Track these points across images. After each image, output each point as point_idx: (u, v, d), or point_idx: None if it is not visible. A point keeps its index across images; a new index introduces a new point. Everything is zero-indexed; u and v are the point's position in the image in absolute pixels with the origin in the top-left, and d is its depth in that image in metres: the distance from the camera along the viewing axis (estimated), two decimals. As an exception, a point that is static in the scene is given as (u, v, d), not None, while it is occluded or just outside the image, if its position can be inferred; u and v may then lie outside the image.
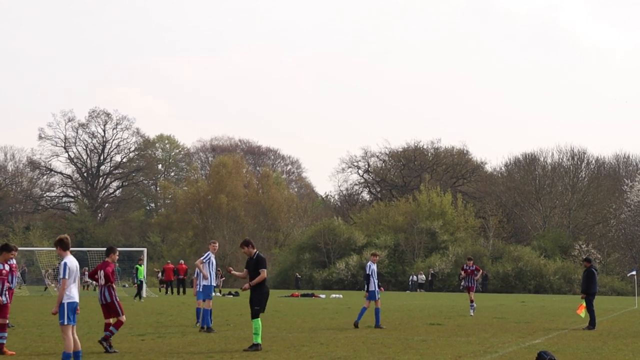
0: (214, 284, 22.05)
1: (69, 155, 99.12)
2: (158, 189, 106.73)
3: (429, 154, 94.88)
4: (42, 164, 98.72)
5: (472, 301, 29.24)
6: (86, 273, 44.91)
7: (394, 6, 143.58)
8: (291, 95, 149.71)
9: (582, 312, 23.66)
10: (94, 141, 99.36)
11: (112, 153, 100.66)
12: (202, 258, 21.84)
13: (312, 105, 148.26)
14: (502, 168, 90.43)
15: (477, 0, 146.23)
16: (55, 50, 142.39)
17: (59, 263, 13.05)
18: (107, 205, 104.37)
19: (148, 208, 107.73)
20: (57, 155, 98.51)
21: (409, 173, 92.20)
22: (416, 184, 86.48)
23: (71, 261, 13.04)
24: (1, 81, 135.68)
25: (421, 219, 74.35)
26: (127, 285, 60.30)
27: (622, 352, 16.80)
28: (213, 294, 22.22)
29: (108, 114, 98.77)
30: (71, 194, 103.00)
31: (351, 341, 18.54)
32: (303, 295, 49.42)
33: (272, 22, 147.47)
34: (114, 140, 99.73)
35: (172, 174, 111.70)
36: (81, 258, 58.47)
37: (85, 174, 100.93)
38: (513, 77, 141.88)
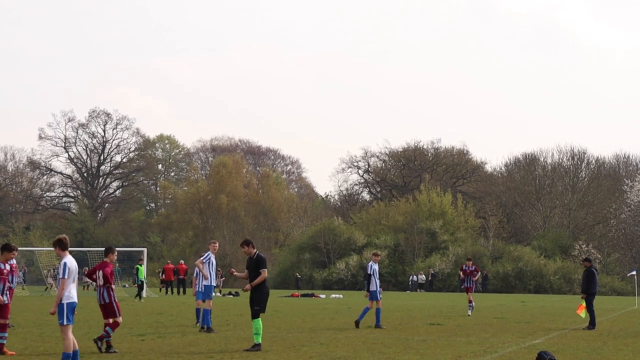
0: (214, 284, 22.05)
1: (69, 155, 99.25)
2: (158, 189, 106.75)
3: (429, 154, 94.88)
4: (42, 164, 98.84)
5: (470, 301, 29.25)
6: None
7: (394, 6, 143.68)
8: (291, 95, 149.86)
9: (583, 313, 23.65)
10: (94, 141, 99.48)
11: (112, 153, 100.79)
12: (202, 258, 21.84)
13: (312, 105, 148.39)
14: (502, 168, 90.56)
15: (477, 0, 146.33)
16: (55, 50, 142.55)
17: (59, 263, 13.04)
18: (107, 205, 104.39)
19: (148, 208, 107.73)
20: (57, 155, 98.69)
21: (409, 173, 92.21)
22: (416, 184, 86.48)
23: (71, 261, 13.03)
24: (1, 81, 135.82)
25: (421, 219, 74.35)
26: (127, 285, 60.31)
27: (622, 352, 16.80)
28: (213, 294, 22.23)
29: (108, 114, 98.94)
30: (71, 194, 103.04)
31: (351, 341, 18.54)
32: (303, 296, 49.42)
33: (272, 22, 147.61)
34: (114, 140, 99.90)
35: (172, 174, 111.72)
36: (81, 258, 58.45)
37: (85, 174, 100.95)
38: (513, 77, 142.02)
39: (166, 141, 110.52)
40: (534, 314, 31.26)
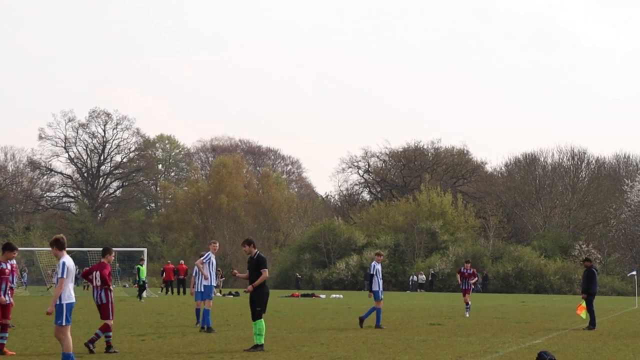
0: (214, 284, 22.05)
1: (69, 155, 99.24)
2: (158, 189, 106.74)
3: (429, 154, 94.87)
4: (43, 164, 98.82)
5: (467, 303, 29.26)
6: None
7: (394, 6, 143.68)
8: (291, 95, 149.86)
9: (583, 313, 23.66)
10: (94, 141, 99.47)
11: (113, 153, 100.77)
12: (202, 258, 21.84)
13: (312, 105, 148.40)
14: (502, 168, 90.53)
15: (477, 0, 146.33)
16: (55, 50, 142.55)
17: (57, 263, 13.04)
18: (107, 205, 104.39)
19: (148, 208, 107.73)
20: (58, 156, 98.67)
21: (409, 173, 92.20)
22: (416, 184, 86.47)
23: (69, 261, 13.03)
24: (1, 81, 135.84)
25: (421, 219, 74.33)
26: (127, 286, 60.33)
27: (623, 352, 16.80)
28: (213, 294, 22.23)
29: (108, 114, 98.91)
30: (71, 194, 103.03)
31: (351, 341, 18.54)
32: (303, 296, 49.42)
33: (272, 22, 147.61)
34: (114, 140, 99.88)
35: (173, 174, 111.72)
36: (81, 258, 58.47)
37: (85, 174, 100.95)
38: (513, 77, 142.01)
39: (166, 141, 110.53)
40: (534, 314, 31.26)
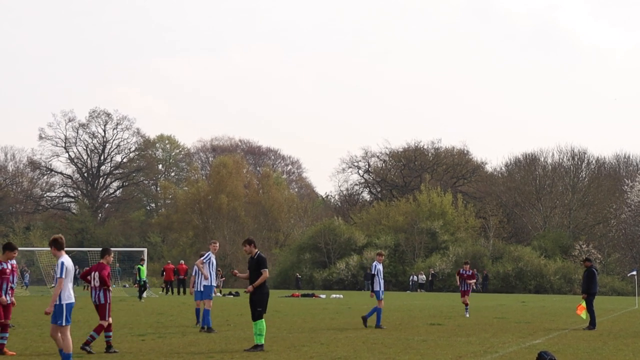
0: (214, 284, 22.05)
1: (69, 155, 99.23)
2: (158, 189, 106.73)
3: (429, 154, 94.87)
4: (43, 164, 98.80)
5: (466, 304, 29.26)
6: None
7: (394, 6, 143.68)
8: (291, 95, 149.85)
9: (583, 314, 23.66)
10: (95, 141, 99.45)
11: (113, 153, 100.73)
12: (202, 258, 21.84)
13: (312, 105, 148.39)
14: (503, 168, 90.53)
15: (477, 0, 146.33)
16: (55, 50, 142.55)
17: (56, 262, 13.04)
18: (107, 205, 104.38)
19: (148, 208, 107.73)
20: (58, 156, 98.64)
21: (410, 173, 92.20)
22: (416, 184, 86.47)
23: (68, 261, 13.02)
24: (1, 81, 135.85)
25: (421, 219, 74.32)
26: (127, 286, 60.31)
27: (623, 352, 16.80)
28: (213, 294, 22.23)
29: (108, 114, 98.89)
30: (71, 194, 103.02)
31: (351, 341, 18.54)
32: (303, 296, 49.41)
33: (272, 22, 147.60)
34: (114, 140, 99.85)
35: (173, 174, 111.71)
36: (81, 258, 58.49)
37: (85, 174, 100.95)
38: (513, 77, 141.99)
39: (166, 141, 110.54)
40: (534, 314, 31.26)
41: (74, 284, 13.61)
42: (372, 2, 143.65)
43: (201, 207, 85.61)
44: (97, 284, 16.45)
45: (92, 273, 16.64)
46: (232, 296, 48.26)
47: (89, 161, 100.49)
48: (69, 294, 12.98)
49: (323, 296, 48.85)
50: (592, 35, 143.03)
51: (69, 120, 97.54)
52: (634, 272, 41.27)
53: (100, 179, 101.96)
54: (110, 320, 16.50)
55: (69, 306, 12.97)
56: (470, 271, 29.95)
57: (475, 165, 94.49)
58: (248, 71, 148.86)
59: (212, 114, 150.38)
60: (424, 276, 68.06)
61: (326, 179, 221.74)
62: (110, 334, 16.39)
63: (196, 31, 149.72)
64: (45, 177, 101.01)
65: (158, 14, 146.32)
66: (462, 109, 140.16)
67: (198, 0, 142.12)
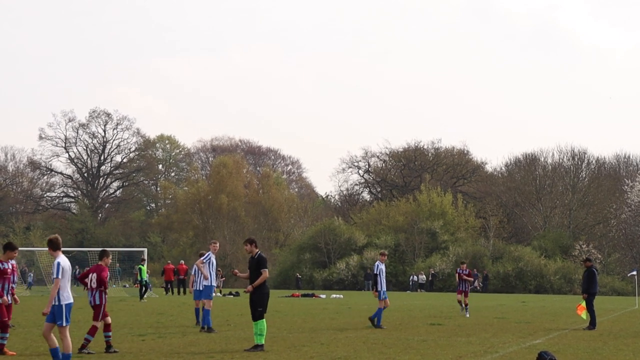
0: (214, 284, 22.06)
1: (69, 155, 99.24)
2: (158, 189, 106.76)
3: (430, 154, 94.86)
4: (43, 164, 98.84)
5: (466, 304, 29.27)
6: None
7: (394, 6, 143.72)
8: (291, 95, 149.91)
9: (583, 314, 23.66)
10: (95, 141, 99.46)
11: (113, 153, 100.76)
12: (202, 258, 21.84)
13: (312, 105, 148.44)
14: (503, 168, 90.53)
15: (477, 0, 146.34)
16: (55, 50, 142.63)
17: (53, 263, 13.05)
18: (107, 205, 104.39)
19: (148, 208, 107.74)
20: (58, 156, 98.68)
21: (410, 173, 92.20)
22: (416, 184, 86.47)
23: (64, 261, 13.01)
24: (1, 81, 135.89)
25: (422, 219, 74.31)
26: (127, 286, 60.31)
27: (623, 352, 16.80)
28: (213, 294, 22.23)
29: (108, 114, 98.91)
30: (71, 194, 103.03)
31: (351, 341, 18.54)
32: (303, 296, 49.41)
33: (272, 22, 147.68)
34: (114, 140, 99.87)
35: (173, 174, 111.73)
36: (82, 258, 58.52)
37: (85, 174, 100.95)
38: (513, 77, 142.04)
39: (166, 141, 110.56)
40: (535, 314, 31.26)
41: (74, 284, 13.64)
42: (372, 2, 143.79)
43: (201, 207, 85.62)
44: (95, 285, 16.43)
45: (90, 275, 16.64)
46: (232, 296, 48.26)
47: (89, 161, 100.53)
48: (68, 294, 12.99)
49: (323, 296, 48.84)
50: (592, 35, 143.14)
51: (69, 121, 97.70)
52: (634, 272, 41.27)
53: (101, 179, 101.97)
54: (109, 319, 16.49)
55: (68, 306, 12.98)
56: (467, 270, 29.98)
57: (475, 165, 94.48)
58: (248, 71, 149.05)
59: (212, 114, 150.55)
60: (424, 276, 68.06)
61: (326, 179, 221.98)
62: (110, 333, 16.38)
63: (196, 31, 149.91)
64: (46, 177, 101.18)
65: (158, 14, 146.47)
66: (462, 109, 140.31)
67: (198, 0, 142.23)
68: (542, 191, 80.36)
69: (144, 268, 42.54)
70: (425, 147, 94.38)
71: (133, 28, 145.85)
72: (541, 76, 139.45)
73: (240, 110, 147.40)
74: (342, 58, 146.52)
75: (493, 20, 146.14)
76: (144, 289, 41.45)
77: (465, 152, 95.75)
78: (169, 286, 52.60)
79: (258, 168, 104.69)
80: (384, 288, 23.23)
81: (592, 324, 23.20)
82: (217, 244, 22.85)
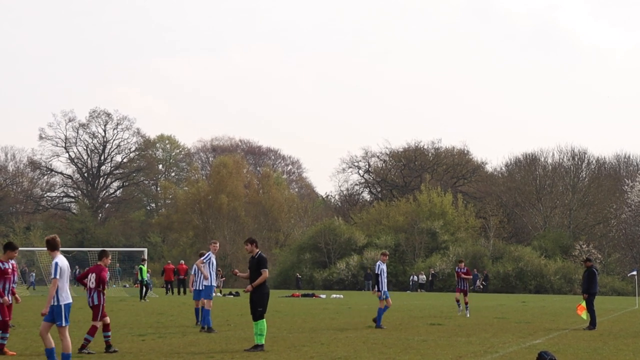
0: (214, 284, 22.06)
1: (69, 155, 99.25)
2: (158, 189, 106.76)
3: (430, 154, 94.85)
4: (43, 164, 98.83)
5: (466, 303, 29.28)
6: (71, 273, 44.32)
7: (394, 6, 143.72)
8: (291, 95, 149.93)
9: (583, 314, 23.66)
10: (95, 141, 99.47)
11: (113, 153, 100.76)
12: (202, 258, 21.85)
13: (312, 105, 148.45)
14: (503, 168, 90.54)
15: (477, 0, 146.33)
16: (55, 50, 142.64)
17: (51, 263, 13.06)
18: (107, 205, 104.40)
19: (149, 208, 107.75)
20: (58, 156, 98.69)
21: (410, 173, 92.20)
22: (417, 184, 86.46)
23: (62, 261, 13.01)
24: (1, 81, 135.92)
25: (422, 219, 74.30)
26: (127, 286, 60.30)
27: (623, 352, 16.80)
28: (214, 294, 22.23)
29: (108, 114, 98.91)
30: (72, 194, 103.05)
31: (352, 341, 18.54)
32: (303, 296, 49.41)
33: (272, 22, 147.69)
34: (114, 140, 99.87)
35: (173, 174, 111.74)
36: (82, 258, 58.51)
37: (85, 174, 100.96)
38: (513, 77, 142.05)
39: (166, 141, 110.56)
40: (535, 314, 31.26)
41: (74, 284, 13.66)
42: (372, 2, 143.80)
43: (201, 207, 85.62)
44: (93, 285, 16.42)
45: (90, 275, 16.65)
46: (232, 296, 48.26)
47: (89, 161, 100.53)
48: (67, 294, 12.99)
49: (323, 296, 48.84)
50: (592, 35, 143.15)
51: (69, 120, 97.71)
52: (634, 272, 41.26)
53: (101, 179, 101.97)
54: (108, 319, 16.50)
55: (67, 306, 12.98)
56: (466, 268, 29.99)
57: (476, 165, 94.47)
58: (248, 71, 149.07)
59: (212, 114, 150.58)
60: (424, 276, 68.05)
61: (326, 179, 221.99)
62: (109, 333, 16.39)
63: (196, 31, 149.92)
64: (46, 177, 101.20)
65: (158, 14, 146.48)
66: (462, 109, 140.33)
67: (198, 0, 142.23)
68: (542, 191, 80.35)
69: (145, 268, 42.54)
70: (425, 147, 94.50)
71: (133, 28, 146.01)
72: (541, 76, 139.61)
73: (240, 110, 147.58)
74: (342, 58, 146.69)
75: (493, 20, 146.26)
76: (144, 288, 41.44)
77: (466, 152, 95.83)
78: (169, 286, 52.58)
79: (258, 168, 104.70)
80: (385, 288, 23.21)
81: (592, 324, 23.20)
82: (217, 244, 22.85)
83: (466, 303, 29.34)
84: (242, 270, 20.04)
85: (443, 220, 75.02)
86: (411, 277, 68.71)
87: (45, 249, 13.70)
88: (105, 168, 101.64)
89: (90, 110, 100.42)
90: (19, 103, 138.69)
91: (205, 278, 21.58)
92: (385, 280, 23.26)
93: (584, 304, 23.67)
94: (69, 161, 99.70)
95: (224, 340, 18.54)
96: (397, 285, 69.52)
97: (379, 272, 23.08)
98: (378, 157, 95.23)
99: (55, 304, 12.86)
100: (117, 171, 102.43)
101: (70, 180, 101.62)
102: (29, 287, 56.93)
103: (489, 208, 77.46)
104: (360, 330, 21.81)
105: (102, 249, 17.79)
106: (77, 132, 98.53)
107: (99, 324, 16.30)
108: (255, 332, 16.41)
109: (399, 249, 73.35)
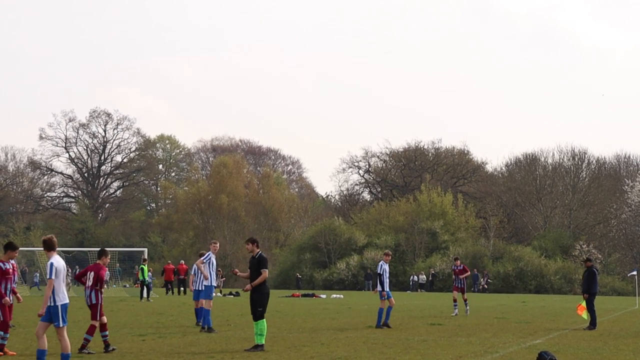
0: (214, 284, 22.06)
1: (69, 155, 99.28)
2: (159, 189, 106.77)
3: (430, 154, 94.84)
4: (43, 164, 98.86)
5: (465, 300, 29.30)
6: (72, 273, 44.16)
7: (394, 6, 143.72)
8: (291, 95, 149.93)
9: (584, 314, 23.65)
10: (95, 141, 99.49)
11: (113, 153, 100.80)
12: (202, 258, 21.84)
13: (312, 105, 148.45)
14: (503, 168, 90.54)
15: (477, 0, 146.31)
16: (55, 50, 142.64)
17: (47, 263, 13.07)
18: (107, 205, 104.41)
19: (149, 208, 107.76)
20: (58, 156, 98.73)
21: (410, 173, 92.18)
22: (417, 184, 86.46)
23: (58, 261, 13.02)
24: (1, 81, 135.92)
25: (422, 219, 74.29)
26: (127, 286, 60.29)
27: (623, 352, 16.80)
28: (214, 294, 22.22)
29: (109, 114, 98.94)
30: (72, 194, 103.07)
31: (352, 341, 18.54)
32: (304, 296, 49.40)
33: (272, 22, 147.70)
34: (114, 140, 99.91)
35: (173, 174, 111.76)
36: (82, 258, 58.50)
37: (86, 174, 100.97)
38: (513, 77, 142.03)
39: (167, 141, 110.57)
40: (535, 314, 31.25)
41: (74, 284, 13.65)
42: (372, 2, 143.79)
43: (201, 207, 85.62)
44: (91, 283, 16.42)
45: (88, 273, 16.64)
46: (232, 296, 48.26)
47: (89, 161, 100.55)
48: (63, 295, 12.99)
49: (323, 296, 48.84)
50: (592, 35, 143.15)
51: (69, 120, 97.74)
52: (635, 272, 41.26)
53: (101, 179, 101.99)
54: (105, 319, 16.49)
55: (64, 307, 12.97)
56: (462, 265, 30.00)
57: (476, 165, 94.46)
58: (248, 71, 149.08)
59: (212, 114, 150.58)
60: (424, 276, 68.05)
61: (326, 179, 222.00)
62: (106, 332, 16.39)
63: (196, 31, 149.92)
64: (46, 177, 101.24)
65: (158, 14, 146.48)
66: (462, 109, 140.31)
67: (198, 0, 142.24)
68: (543, 191, 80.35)
69: (146, 268, 42.54)
70: (426, 147, 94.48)
71: (133, 28, 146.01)
72: (541, 76, 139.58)
73: (240, 110, 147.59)
74: (342, 58, 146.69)
75: (493, 20, 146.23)
76: (146, 288, 41.45)
77: (466, 152, 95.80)
78: (169, 286, 52.57)
79: (258, 168, 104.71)
80: (387, 288, 23.18)
81: (593, 324, 23.20)
82: (217, 244, 22.84)
83: (465, 300, 29.33)
84: (242, 270, 20.04)
85: (443, 220, 75.02)
86: (411, 277, 68.71)
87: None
88: (106, 168, 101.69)
89: (91, 110, 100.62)
90: (19, 103, 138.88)
91: (206, 278, 21.58)
92: (387, 281, 23.24)
93: (584, 304, 23.67)
94: (69, 161, 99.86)
95: (224, 340, 18.54)
96: (397, 285, 69.48)
97: (381, 272, 23.05)
98: (378, 157, 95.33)
99: (52, 304, 12.84)
100: (117, 171, 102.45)
101: (70, 180, 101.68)
102: (31, 288, 56.89)
103: (489, 208, 77.45)
104: (360, 330, 21.81)
105: (101, 248, 17.79)
106: (77, 132, 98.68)
107: (97, 323, 16.29)
108: (256, 332, 16.41)
109: (399, 249, 73.33)
